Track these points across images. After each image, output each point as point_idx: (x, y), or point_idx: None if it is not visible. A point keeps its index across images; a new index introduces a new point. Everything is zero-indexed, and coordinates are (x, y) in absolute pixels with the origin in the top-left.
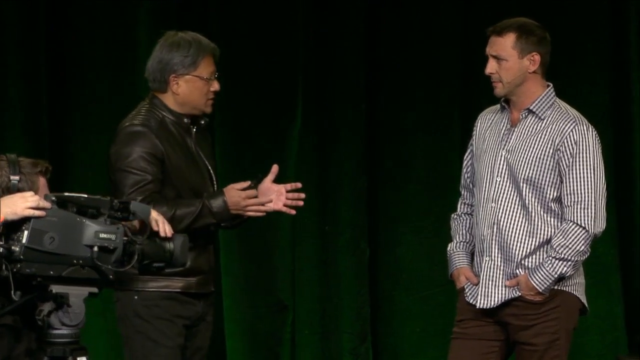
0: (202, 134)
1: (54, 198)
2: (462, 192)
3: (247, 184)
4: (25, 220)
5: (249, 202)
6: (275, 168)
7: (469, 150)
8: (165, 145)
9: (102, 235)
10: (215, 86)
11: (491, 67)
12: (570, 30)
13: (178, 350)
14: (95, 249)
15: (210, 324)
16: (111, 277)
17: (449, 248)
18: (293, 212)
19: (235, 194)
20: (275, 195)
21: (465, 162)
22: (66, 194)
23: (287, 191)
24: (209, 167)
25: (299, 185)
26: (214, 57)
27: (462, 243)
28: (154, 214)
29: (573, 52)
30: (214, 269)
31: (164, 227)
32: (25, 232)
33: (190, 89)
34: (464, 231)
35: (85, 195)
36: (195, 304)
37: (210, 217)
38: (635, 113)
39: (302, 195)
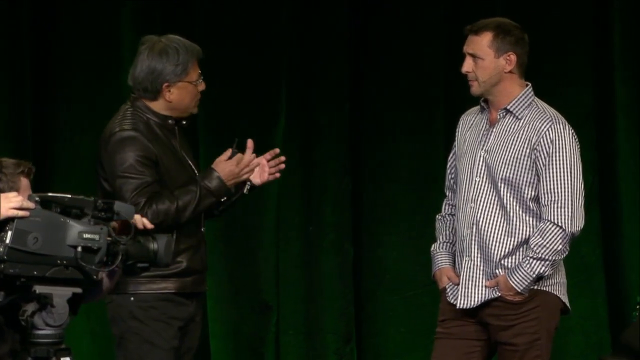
0: (182, 133)
1: (37, 198)
2: (447, 193)
3: (229, 152)
4: (8, 220)
5: (240, 165)
6: (250, 142)
7: (452, 152)
8: (156, 147)
9: (86, 236)
10: (203, 86)
11: (467, 65)
12: (554, 31)
13: (173, 352)
14: (79, 249)
15: (199, 324)
16: (95, 277)
17: (432, 248)
18: (278, 175)
19: (226, 165)
20: (259, 168)
21: (449, 164)
22: (50, 194)
23: (268, 160)
24: (192, 166)
25: (277, 150)
26: (199, 58)
27: (445, 243)
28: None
29: (557, 52)
30: (207, 268)
31: (142, 222)
32: (9, 233)
33: (182, 94)
34: (447, 232)
35: (69, 196)
36: (189, 305)
37: (210, 197)
38: (618, 113)
39: (283, 159)
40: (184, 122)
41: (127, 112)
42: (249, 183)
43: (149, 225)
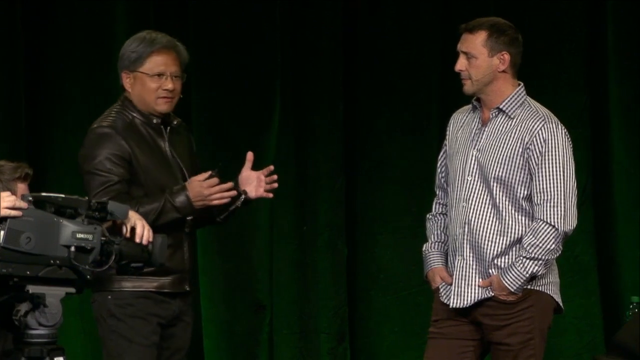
0: (178, 134)
1: (30, 198)
2: (437, 192)
3: (208, 174)
4: (1, 220)
5: (211, 190)
6: (250, 155)
7: (442, 151)
8: (132, 146)
9: (79, 236)
10: (167, 85)
11: (461, 64)
12: (548, 31)
13: (153, 348)
14: (73, 249)
15: (189, 324)
16: (89, 277)
17: (424, 248)
18: (271, 195)
19: (197, 184)
20: (255, 182)
21: (439, 163)
22: (43, 194)
23: (266, 176)
24: (182, 167)
25: (272, 167)
26: (171, 55)
27: (437, 243)
28: (136, 217)
29: (551, 52)
30: (191, 268)
31: (141, 232)
32: (2, 232)
33: (138, 86)
34: (438, 231)
35: (63, 196)
36: (171, 303)
37: (174, 212)
38: (612, 113)
39: (275, 177)
40: (175, 123)
41: (113, 110)
42: (243, 196)
43: (145, 241)
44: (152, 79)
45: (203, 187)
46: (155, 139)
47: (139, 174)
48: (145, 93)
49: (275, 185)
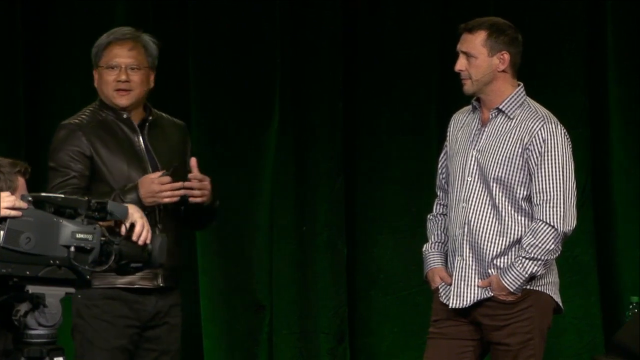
0: (160, 129)
1: (30, 198)
2: (438, 193)
3: (160, 173)
4: (1, 220)
5: (162, 187)
6: (193, 161)
7: (443, 152)
8: (95, 142)
9: (79, 236)
10: (120, 77)
11: (461, 64)
12: (548, 31)
13: (117, 352)
14: (72, 249)
15: (175, 326)
16: (88, 277)
17: (424, 249)
18: (198, 200)
19: (149, 181)
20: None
21: (440, 164)
22: (43, 194)
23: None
24: (158, 163)
25: (198, 175)
26: (128, 46)
27: (437, 244)
28: (137, 216)
29: (550, 52)
30: (172, 265)
31: (140, 231)
32: (1, 233)
33: (99, 81)
34: (439, 232)
35: (62, 196)
36: (144, 303)
37: None
38: (612, 113)
39: (193, 184)
40: (150, 118)
41: (88, 108)
42: (186, 202)
43: (142, 242)
44: (107, 71)
45: (154, 184)
46: (129, 135)
47: (101, 171)
48: (104, 87)
49: (196, 192)
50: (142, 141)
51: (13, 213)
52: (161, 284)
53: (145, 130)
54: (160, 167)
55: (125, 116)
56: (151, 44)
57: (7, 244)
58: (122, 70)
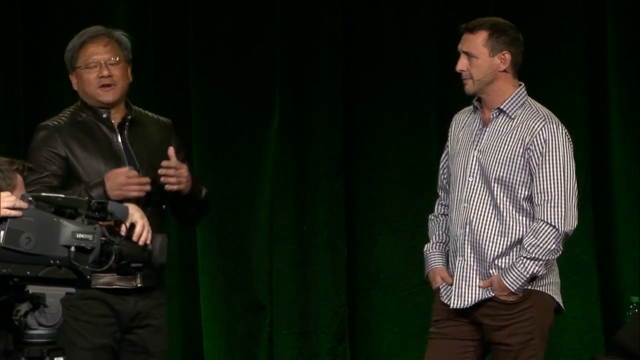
0: (141, 127)
1: (30, 198)
2: (440, 193)
3: (126, 168)
4: (1, 220)
5: (129, 180)
6: (171, 150)
7: (445, 152)
8: (71, 143)
9: (79, 236)
10: (103, 72)
11: (462, 64)
12: (548, 31)
13: (100, 351)
14: (72, 249)
15: (159, 327)
16: (89, 277)
17: (425, 249)
18: (174, 188)
19: (115, 175)
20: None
21: (441, 164)
22: (43, 194)
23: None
24: (136, 162)
25: (172, 163)
26: (102, 42)
27: (438, 244)
28: (138, 216)
29: (550, 52)
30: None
31: (140, 231)
32: (2, 232)
33: (80, 83)
34: (440, 232)
35: (63, 196)
36: (123, 304)
37: None
38: (612, 113)
39: (177, 172)
40: (129, 117)
41: (69, 109)
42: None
43: (142, 242)
44: (88, 71)
45: (121, 177)
46: (107, 135)
47: (77, 170)
48: (86, 87)
49: (171, 179)
50: (120, 140)
51: (13, 213)
52: (139, 285)
53: (125, 129)
54: (138, 166)
55: (104, 116)
56: (124, 38)
57: (7, 244)
58: (103, 66)
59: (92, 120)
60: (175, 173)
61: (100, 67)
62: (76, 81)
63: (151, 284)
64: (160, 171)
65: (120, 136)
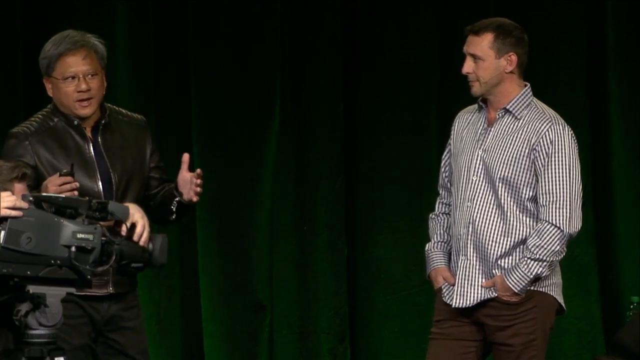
0: (113, 131)
1: (31, 198)
2: (440, 192)
3: (57, 175)
4: (2, 220)
5: (58, 188)
6: (185, 157)
7: (447, 150)
8: (41, 151)
9: (80, 236)
10: (81, 86)
11: (468, 66)
12: (548, 31)
13: (79, 352)
14: (73, 249)
15: (135, 330)
16: (89, 277)
17: (426, 248)
18: (196, 199)
19: (46, 182)
20: (189, 185)
21: (443, 162)
22: (44, 194)
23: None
24: (109, 167)
25: (199, 171)
26: (81, 54)
27: (439, 243)
28: (139, 216)
29: (550, 52)
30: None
31: (140, 231)
32: (2, 232)
33: (56, 92)
34: (441, 231)
35: (63, 196)
36: (97, 309)
37: None
38: (612, 113)
39: (199, 182)
40: (103, 122)
41: (40, 113)
42: (176, 200)
43: (143, 242)
44: (65, 83)
45: (49, 184)
46: (78, 142)
47: (45, 177)
48: (63, 98)
49: (199, 189)
50: (92, 148)
51: (14, 213)
52: (111, 291)
53: (98, 134)
54: (111, 171)
55: (75, 123)
56: (100, 46)
57: (8, 244)
58: (81, 79)
59: (64, 127)
60: (200, 183)
61: (78, 81)
62: (51, 87)
63: (123, 289)
64: (193, 189)
65: (93, 142)
